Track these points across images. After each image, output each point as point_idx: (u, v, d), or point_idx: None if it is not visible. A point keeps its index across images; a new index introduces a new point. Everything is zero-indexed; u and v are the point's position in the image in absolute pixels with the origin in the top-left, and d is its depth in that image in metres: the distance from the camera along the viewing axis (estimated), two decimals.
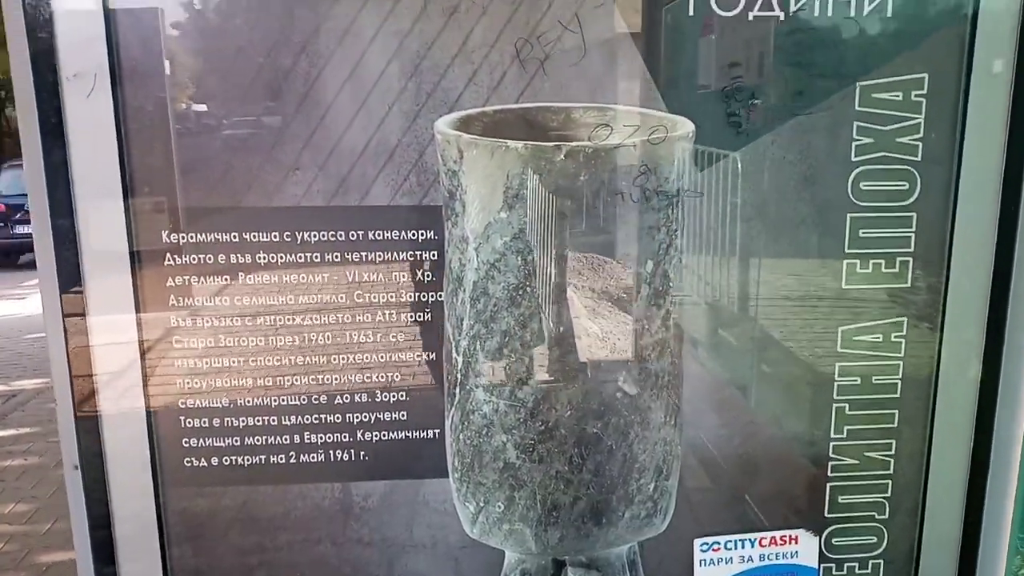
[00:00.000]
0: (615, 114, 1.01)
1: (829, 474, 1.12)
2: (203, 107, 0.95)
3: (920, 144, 1.06)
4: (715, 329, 1.13)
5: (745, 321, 1.11)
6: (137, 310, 0.99)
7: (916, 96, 1.05)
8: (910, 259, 1.09)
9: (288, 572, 1.10)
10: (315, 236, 0.99)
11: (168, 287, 0.99)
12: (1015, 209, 1.06)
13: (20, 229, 10.86)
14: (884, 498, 1.13)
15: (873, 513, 1.13)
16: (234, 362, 1.02)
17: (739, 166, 1.03)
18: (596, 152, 0.98)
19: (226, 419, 1.03)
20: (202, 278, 0.99)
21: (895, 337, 1.10)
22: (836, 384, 1.09)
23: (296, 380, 1.03)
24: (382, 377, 1.05)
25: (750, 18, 1.00)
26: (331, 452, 1.06)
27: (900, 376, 1.10)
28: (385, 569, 1.10)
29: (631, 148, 0.98)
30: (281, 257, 0.99)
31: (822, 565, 1.14)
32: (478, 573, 1.12)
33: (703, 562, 1.12)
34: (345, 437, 1.06)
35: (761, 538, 1.12)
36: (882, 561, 1.15)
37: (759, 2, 0.99)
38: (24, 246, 10.97)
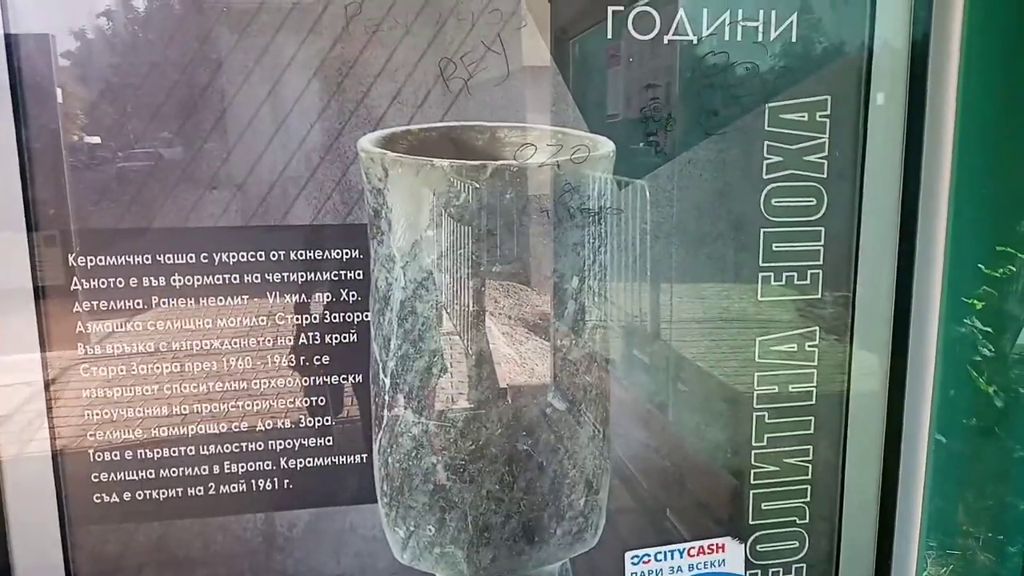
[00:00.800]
0: (539, 134, 1.02)
1: (752, 481, 1.15)
2: (113, 126, 0.91)
3: (825, 162, 1.12)
4: (633, 346, 1.15)
5: (663, 336, 1.14)
6: (40, 336, 0.93)
7: (820, 116, 1.11)
8: (820, 271, 1.14)
9: None
10: (233, 257, 0.96)
11: (75, 312, 0.93)
12: (913, 222, 1.12)
13: None
14: (804, 503, 1.17)
15: (794, 519, 1.17)
16: (148, 391, 0.97)
17: (661, 183, 1.06)
18: (521, 171, 0.99)
19: (139, 451, 0.98)
20: (112, 302, 0.94)
21: (808, 347, 1.14)
22: (755, 393, 1.13)
23: (215, 407, 0.99)
24: (306, 402, 1.02)
25: (665, 41, 1.04)
26: (253, 481, 1.02)
27: (815, 384, 1.14)
28: None
29: (554, 167, 1.00)
30: (198, 279, 0.96)
31: (748, 572, 1.17)
32: None
33: (635, 575, 1.13)
34: (268, 465, 1.02)
35: (690, 548, 1.14)
36: (804, 565, 1.19)
37: (674, 26, 1.03)
38: None
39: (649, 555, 1.13)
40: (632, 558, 1.13)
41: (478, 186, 0.98)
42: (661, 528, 1.15)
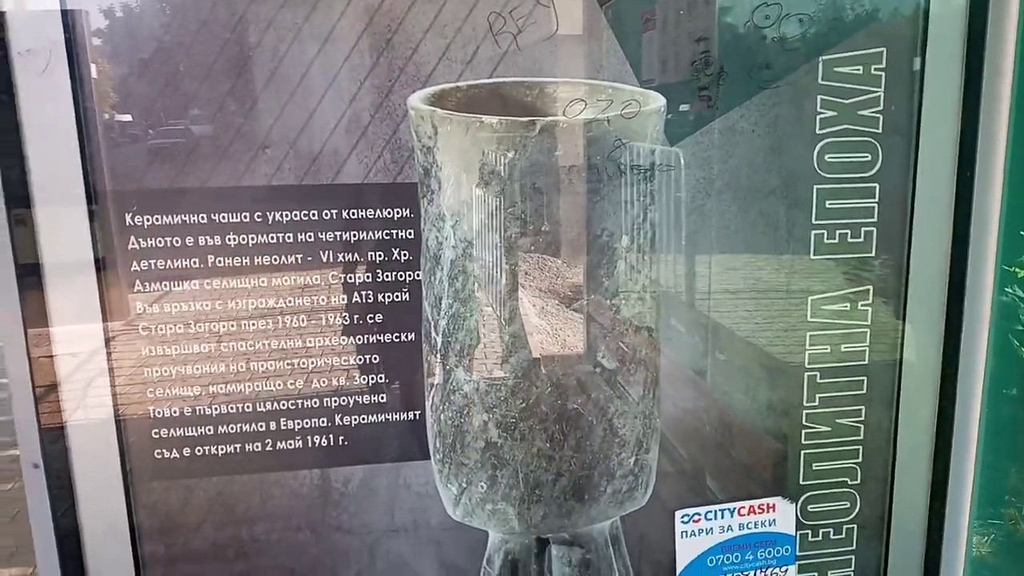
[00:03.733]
0: (589, 89, 1.01)
1: (803, 442, 1.14)
2: (167, 86, 0.92)
3: (880, 116, 1.09)
4: (681, 306, 1.14)
5: (712, 296, 1.13)
6: (101, 295, 0.95)
7: (876, 70, 1.08)
8: (874, 230, 1.12)
9: (266, 563, 1.07)
10: (286, 216, 0.97)
11: (133, 271, 0.95)
12: (970, 176, 1.10)
13: None
14: (855, 464, 1.16)
15: (846, 479, 1.16)
16: (206, 348, 0.99)
17: (712, 139, 1.04)
18: (571, 127, 0.98)
19: (198, 408, 1.00)
20: (170, 261, 0.95)
21: (862, 305, 1.12)
22: (807, 352, 1.11)
23: (271, 365, 1.01)
24: (360, 359, 1.03)
25: None
26: (309, 438, 1.03)
27: (867, 343, 1.13)
28: (366, 555, 1.09)
29: (604, 123, 0.99)
30: (252, 238, 0.97)
31: (798, 532, 1.16)
32: (461, 555, 1.11)
33: (684, 534, 1.13)
34: (323, 422, 1.03)
35: (740, 507, 1.14)
36: (855, 526, 1.18)
37: None
38: None
39: (699, 514, 1.13)
40: (682, 517, 1.13)
41: (527, 143, 0.97)
42: (710, 488, 1.15)
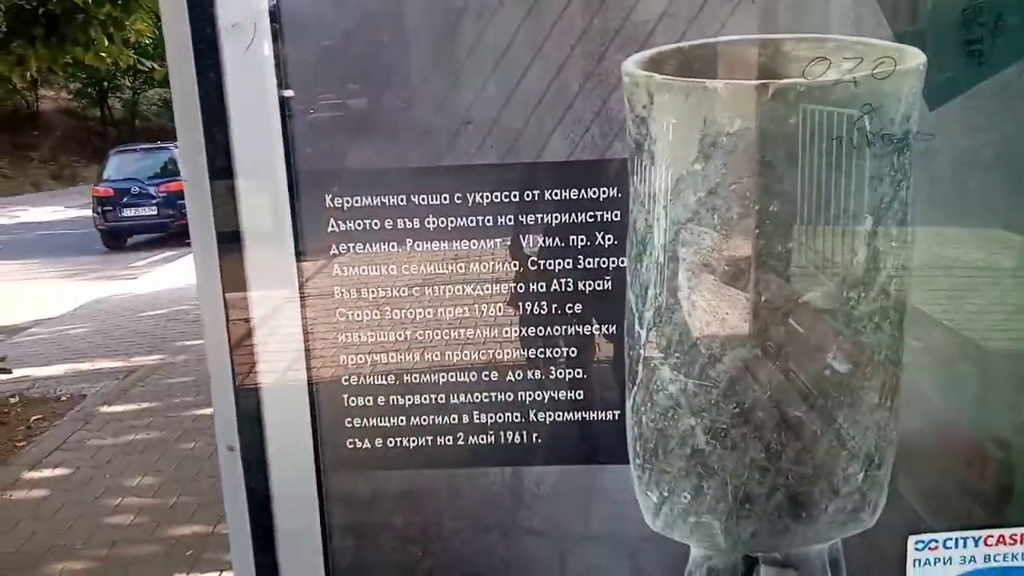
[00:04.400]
0: (833, 45, 0.87)
1: None
2: (369, 58, 0.86)
3: None
4: (930, 298, 0.98)
5: (971, 286, 0.96)
6: (299, 281, 0.92)
7: None
8: None
9: (453, 562, 1.02)
10: (487, 197, 0.90)
11: (331, 255, 0.91)
12: None
13: (127, 212, 11.33)
14: None
15: None
16: (400, 336, 0.94)
17: (983, 102, 0.87)
18: (810, 90, 0.84)
19: (391, 397, 0.96)
20: (367, 245, 0.91)
21: None
22: None
23: (465, 355, 0.94)
24: (557, 352, 0.95)
25: None
26: (502, 433, 0.97)
27: None
28: (557, 562, 1.01)
29: (851, 85, 0.84)
30: (451, 221, 0.90)
31: None
32: (659, 569, 1.02)
33: (917, 562, 0.99)
34: (517, 417, 0.96)
35: (987, 536, 0.98)
36: None
37: None
38: (132, 228, 11.47)
39: (937, 541, 0.98)
40: (916, 543, 0.98)
41: (757, 110, 0.84)
42: (952, 511, 0.99)
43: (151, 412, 3.86)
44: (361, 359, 0.95)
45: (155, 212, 11.06)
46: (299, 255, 0.91)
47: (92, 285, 7.91)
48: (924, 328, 0.96)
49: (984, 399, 1.00)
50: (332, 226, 0.90)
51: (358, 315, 0.93)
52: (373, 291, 0.92)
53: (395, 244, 0.90)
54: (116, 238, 11.45)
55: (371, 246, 0.90)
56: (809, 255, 0.90)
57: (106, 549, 2.52)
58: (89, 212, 11.68)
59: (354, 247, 0.90)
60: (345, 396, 0.96)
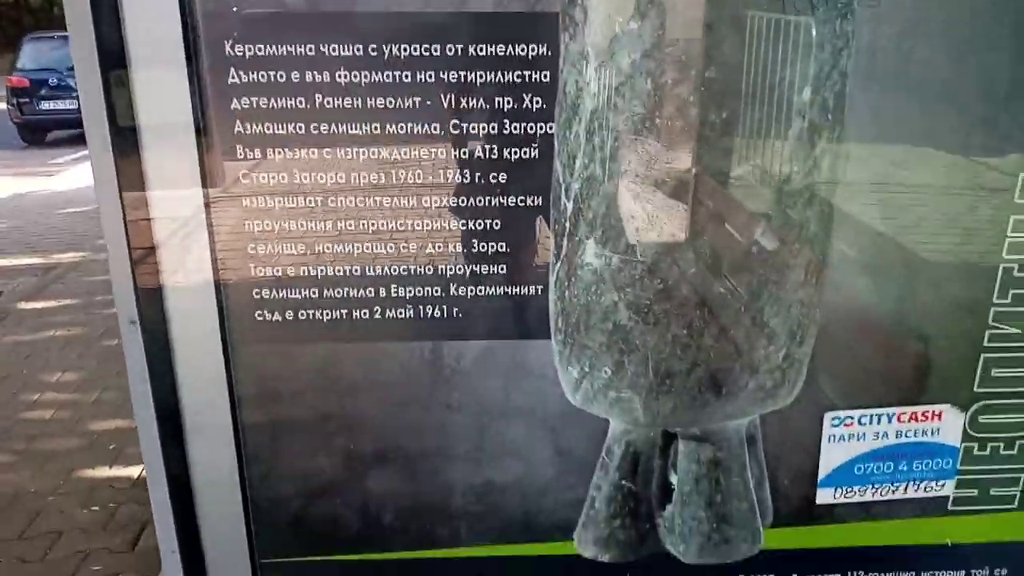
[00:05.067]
0: None
1: (985, 344, 0.97)
2: None
3: None
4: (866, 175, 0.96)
5: (904, 167, 0.94)
6: (199, 143, 0.84)
7: None
8: None
9: (371, 437, 1.00)
10: (404, 50, 0.83)
11: (234, 110, 0.84)
12: None
13: (46, 105, 10.66)
14: None
15: None
16: (311, 203, 0.88)
17: None
18: None
19: (303, 268, 0.91)
20: (272, 100, 0.83)
21: None
22: (1008, 241, 0.93)
23: (381, 224, 0.89)
24: (479, 224, 0.90)
25: None
26: (421, 308, 0.93)
27: None
28: (476, 436, 1.00)
29: None
30: (364, 76, 0.83)
31: (963, 444, 1.02)
32: (578, 444, 1.01)
33: (832, 438, 1.01)
34: (436, 291, 0.93)
35: (900, 413, 1.00)
36: None
37: None
38: (51, 123, 10.80)
39: (852, 418, 1.00)
40: (832, 420, 1.00)
41: None
42: (867, 391, 1.01)
43: (71, 309, 3.71)
44: (268, 226, 0.89)
45: (76, 106, 10.37)
46: (199, 118, 0.83)
47: (9, 181, 7.47)
48: (856, 226, 0.95)
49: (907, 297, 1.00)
50: (233, 77, 0.82)
51: (263, 179, 0.86)
52: (280, 152, 0.85)
53: (302, 100, 0.83)
54: (34, 132, 10.76)
55: (276, 101, 0.83)
56: (744, 126, 0.87)
57: (24, 443, 2.45)
58: (3, 105, 10.92)
59: (258, 102, 0.83)
60: (252, 266, 0.91)
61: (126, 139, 0.85)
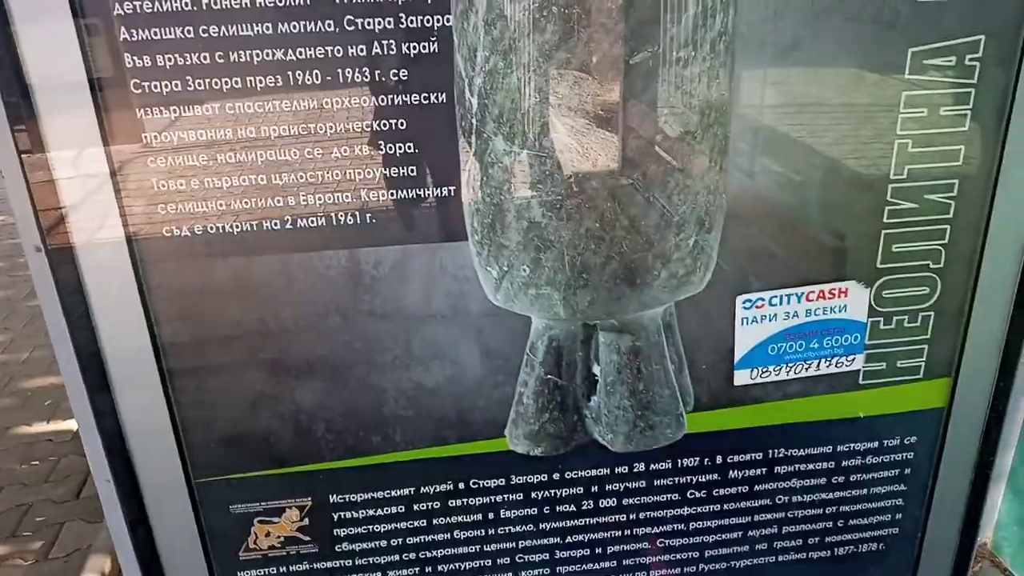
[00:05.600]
0: None
1: (885, 220, 1.01)
2: None
3: None
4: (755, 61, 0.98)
5: (798, 43, 0.96)
6: (83, 42, 0.81)
7: None
8: None
9: (295, 348, 1.00)
10: None
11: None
12: None
13: None
14: (941, 245, 1.04)
15: (928, 262, 1.05)
16: (211, 110, 0.86)
17: None
18: None
19: (207, 180, 0.89)
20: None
21: (969, 60, 0.95)
22: (900, 116, 0.96)
23: (283, 129, 0.88)
24: (384, 125, 0.89)
25: None
26: (334, 215, 0.92)
27: (970, 106, 0.97)
28: (402, 342, 1.01)
29: None
30: None
31: (869, 319, 1.07)
32: (502, 342, 1.03)
33: (745, 320, 1.04)
34: (347, 197, 0.92)
35: (809, 292, 1.04)
36: (933, 313, 1.08)
37: None
38: None
39: (763, 299, 1.03)
40: (744, 303, 1.04)
41: None
42: (777, 273, 1.04)
43: None
44: (167, 138, 0.86)
45: None
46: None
47: None
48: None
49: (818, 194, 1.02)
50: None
51: (159, 87, 0.84)
52: (176, 56, 0.82)
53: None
54: None
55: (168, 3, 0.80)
56: (641, 11, 0.87)
57: None
58: None
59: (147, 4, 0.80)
60: (155, 180, 0.89)
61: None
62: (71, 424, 2.20)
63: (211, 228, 0.91)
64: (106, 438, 1.01)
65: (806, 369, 1.08)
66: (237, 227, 0.91)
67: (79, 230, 0.90)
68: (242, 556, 1.11)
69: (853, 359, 1.08)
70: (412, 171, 0.92)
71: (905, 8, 0.92)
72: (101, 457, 1.03)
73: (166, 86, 0.84)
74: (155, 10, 0.81)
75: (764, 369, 1.07)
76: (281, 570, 1.12)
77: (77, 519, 1.81)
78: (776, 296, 1.04)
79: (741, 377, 1.07)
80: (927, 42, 0.93)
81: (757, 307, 1.04)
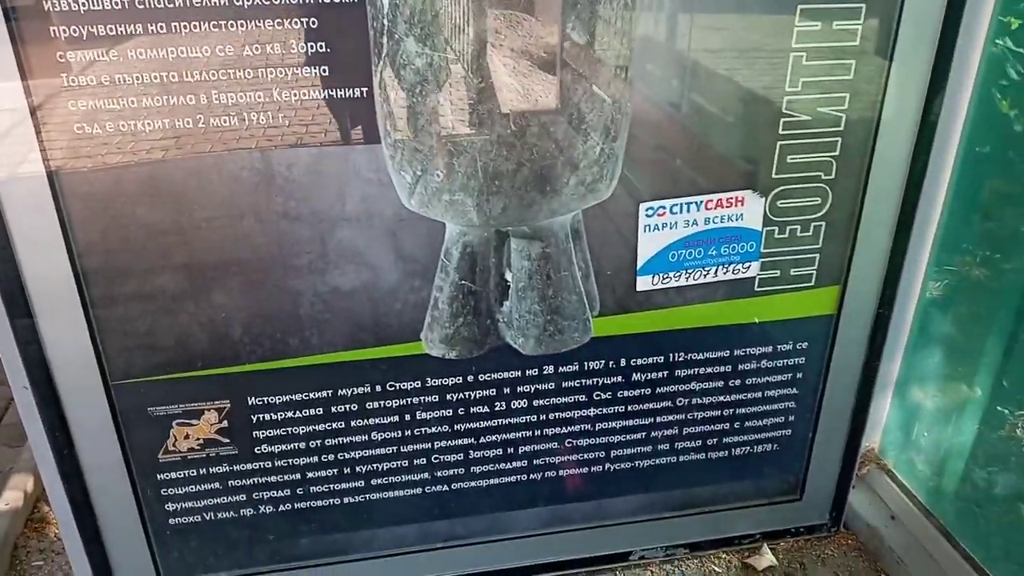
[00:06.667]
0: None
1: (780, 132, 1.07)
2: None
3: None
4: None
5: None
6: None
7: None
8: None
9: (209, 251, 1.02)
10: None
11: None
12: None
13: None
14: (832, 157, 1.10)
15: (820, 173, 1.11)
16: (119, 2, 0.85)
17: None
18: None
19: (117, 76, 0.89)
20: None
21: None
22: (796, 30, 1.01)
23: (195, 26, 0.88)
24: (296, 23, 0.90)
25: None
26: (245, 114, 0.93)
27: (860, 21, 1.03)
28: (317, 245, 1.03)
29: None
30: None
31: (765, 228, 1.13)
32: (417, 247, 1.07)
33: (647, 228, 1.10)
34: (259, 97, 0.93)
35: (707, 200, 1.10)
36: (824, 223, 1.15)
37: None
38: None
39: (664, 207, 1.09)
40: (646, 210, 1.09)
41: None
42: (677, 183, 1.10)
43: None
44: (76, 32, 0.86)
45: None
46: None
47: None
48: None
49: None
50: None
51: None
52: None
53: None
54: None
55: None
56: None
57: None
58: None
59: None
60: (65, 76, 0.88)
61: None
62: None
63: (123, 126, 0.91)
64: (22, 346, 1.01)
65: (704, 276, 1.14)
66: (149, 127, 0.92)
67: None
68: (161, 459, 1.13)
69: (749, 267, 1.15)
70: (324, 71, 0.94)
71: None
72: (18, 364, 1.03)
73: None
74: None
75: (665, 275, 1.13)
76: (201, 472, 1.15)
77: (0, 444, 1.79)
78: (677, 204, 1.09)
79: (643, 283, 1.13)
80: None
81: (659, 215, 1.09)
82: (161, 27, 0.88)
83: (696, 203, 1.09)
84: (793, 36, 1.02)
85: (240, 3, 0.88)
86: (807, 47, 1.02)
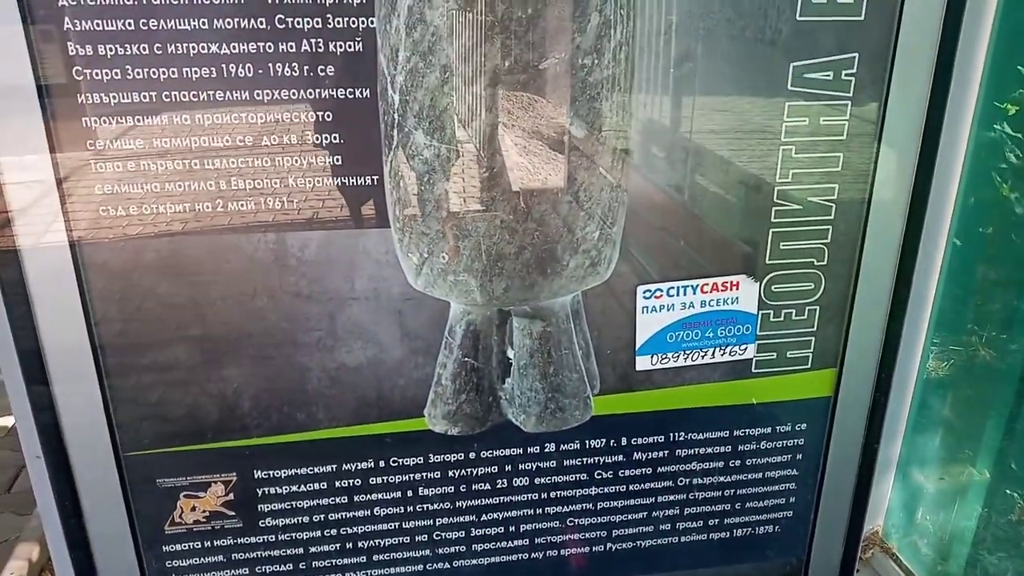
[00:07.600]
0: None
1: (772, 219, 1.12)
2: None
3: None
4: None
5: (706, 55, 1.06)
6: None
7: None
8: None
9: (223, 326, 1.06)
10: None
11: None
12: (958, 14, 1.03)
13: None
14: (824, 244, 1.14)
15: (812, 260, 1.15)
16: (145, 97, 0.92)
17: None
18: None
19: (142, 162, 0.95)
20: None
21: (845, 75, 1.07)
22: (784, 125, 1.07)
23: (218, 117, 0.94)
24: (312, 116, 0.97)
25: None
26: (261, 199, 0.99)
27: (847, 116, 1.08)
28: (326, 322, 1.07)
29: None
30: None
31: (760, 312, 1.16)
32: (423, 326, 1.10)
33: (645, 309, 1.13)
34: (275, 183, 0.99)
35: (703, 284, 1.13)
36: (818, 307, 1.18)
37: None
38: None
39: (661, 290, 1.13)
40: (644, 292, 1.13)
41: None
42: (675, 267, 1.14)
43: None
44: (108, 122, 0.92)
45: None
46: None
47: None
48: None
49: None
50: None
51: (100, 74, 0.90)
52: (115, 47, 0.89)
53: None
54: None
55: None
56: (548, 21, 0.96)
57: None
58: None
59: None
60: (93, 162, 0.94)
61: None
62: (6, 420, 2.19)
63: (146, 209, 0.97)
64: (37, 412, 1.05)
65: (702, 357, 1.17)
66: (170, 209, 0.97)
67: (17, 206, 0.95)
68: (167, 530, 1.15)
69: (745, 348, 1.18)
70: (338, 160, 1.00)
71: (786, 27, 1.03)
72: (32, 430, 1.06)
73: (110, 95, 0.90)
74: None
75: (664, 356, 1.15)
76: (206, 544, 1.16)
77: (7, 512, 1.81)
78: (673, 287, 1.13)
79: (643, 363, 1.16)
80: (806, 58, 1.04)
81: (656, 297, 1.13)
82: (185, 119, 0.94)
83: (692, 286, 1.13)
84: (783, 131, 1.07)
85: (258, 96, 0.94)
86: (796, 141, 1.08)
